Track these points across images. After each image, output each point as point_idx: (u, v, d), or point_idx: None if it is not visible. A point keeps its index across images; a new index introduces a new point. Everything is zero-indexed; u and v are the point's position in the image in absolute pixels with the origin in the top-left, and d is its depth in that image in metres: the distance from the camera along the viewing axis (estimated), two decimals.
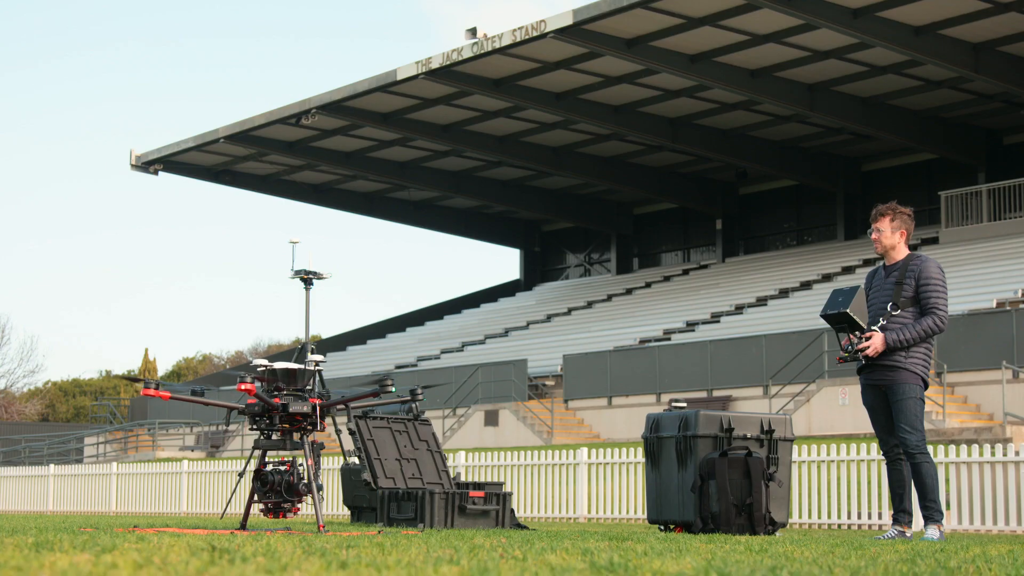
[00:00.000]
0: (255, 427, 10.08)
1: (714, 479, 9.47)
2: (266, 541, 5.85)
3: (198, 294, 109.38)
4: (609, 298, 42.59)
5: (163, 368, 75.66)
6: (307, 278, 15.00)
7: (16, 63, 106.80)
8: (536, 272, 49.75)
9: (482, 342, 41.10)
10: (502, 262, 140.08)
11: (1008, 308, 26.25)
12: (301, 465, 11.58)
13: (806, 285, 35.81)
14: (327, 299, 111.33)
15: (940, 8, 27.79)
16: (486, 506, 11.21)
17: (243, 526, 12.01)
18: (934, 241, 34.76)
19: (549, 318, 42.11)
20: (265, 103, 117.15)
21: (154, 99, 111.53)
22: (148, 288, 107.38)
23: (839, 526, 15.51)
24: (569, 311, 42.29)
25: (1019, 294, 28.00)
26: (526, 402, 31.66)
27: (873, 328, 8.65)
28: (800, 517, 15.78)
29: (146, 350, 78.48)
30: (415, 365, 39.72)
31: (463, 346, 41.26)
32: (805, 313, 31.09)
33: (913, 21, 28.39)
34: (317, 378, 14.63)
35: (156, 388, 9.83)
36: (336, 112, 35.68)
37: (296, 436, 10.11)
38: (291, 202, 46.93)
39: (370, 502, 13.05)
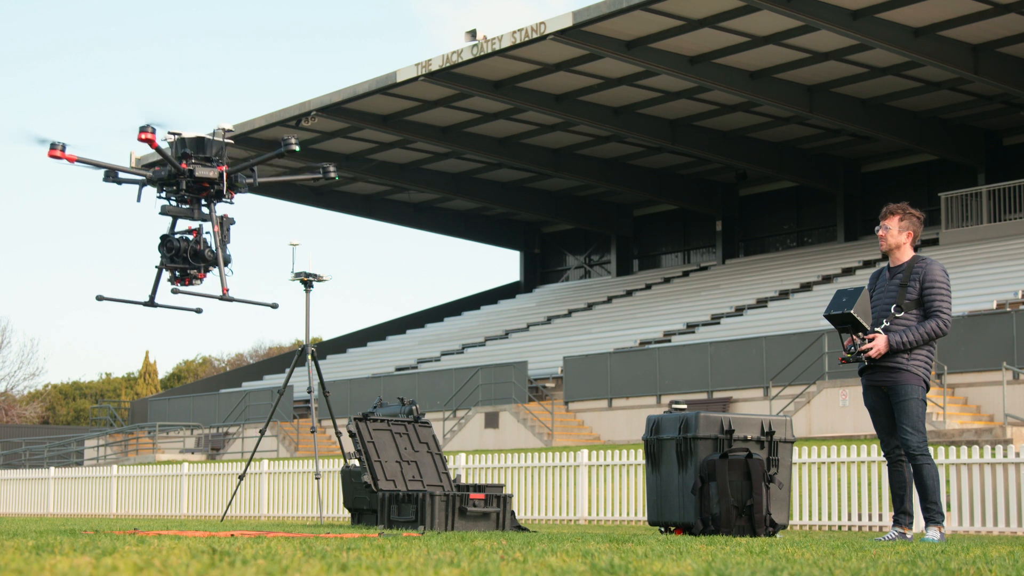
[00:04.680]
0: (162, 195, 10.17)
1: (714, 481, 9.46)
2: (267, 543, 5.85)
3: (198, 296, 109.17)
4: (609, 300, 42.58)
5: (163, 370, 75.69)
6: (307, 280, 15.01)
7: (17, 63, 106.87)
8: (536, 274, 49.74)
9: (482, 344, 41.09)
10: (502, 264, 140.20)
11: (1008, 309, 26.25)
12: (208, 234, 11.69)
13: (806, 287, 35.79)
14: (327, 301, 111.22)
15: (939, 9, 27.79)
16: (487, 508, 11.20)
17: (151, 299, 12.08)
18: (934, 242, 34.73)
19: (549, 320, 42.09)
20: (265, 105, 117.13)
21: (154, 100, 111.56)
22: (148, 290, 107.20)
23: (840, 528, 15.49)
24: (569, 313, 42.27)
25: (1019, 295, 27.99)
26: (526, 404, 31.64)
27: (876, 329, 8.64)
28: (801, 519, 15.77)
29: (147, 352, 78.61)
30: (415, 367, 39.71)
31: (463, 348, 41.25)
32: (805, 314, 31.09)
33: (912, 22, 28.39)
34: (315, 371, 14.61)
35: (63, 151, 10.03)
36: (336, 114, 35.68)
37: (204, 206, 10.25)
38: (291, 204, 46.95)
39: (370, 504, 13.04)
